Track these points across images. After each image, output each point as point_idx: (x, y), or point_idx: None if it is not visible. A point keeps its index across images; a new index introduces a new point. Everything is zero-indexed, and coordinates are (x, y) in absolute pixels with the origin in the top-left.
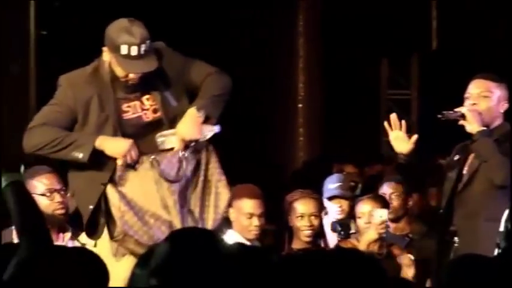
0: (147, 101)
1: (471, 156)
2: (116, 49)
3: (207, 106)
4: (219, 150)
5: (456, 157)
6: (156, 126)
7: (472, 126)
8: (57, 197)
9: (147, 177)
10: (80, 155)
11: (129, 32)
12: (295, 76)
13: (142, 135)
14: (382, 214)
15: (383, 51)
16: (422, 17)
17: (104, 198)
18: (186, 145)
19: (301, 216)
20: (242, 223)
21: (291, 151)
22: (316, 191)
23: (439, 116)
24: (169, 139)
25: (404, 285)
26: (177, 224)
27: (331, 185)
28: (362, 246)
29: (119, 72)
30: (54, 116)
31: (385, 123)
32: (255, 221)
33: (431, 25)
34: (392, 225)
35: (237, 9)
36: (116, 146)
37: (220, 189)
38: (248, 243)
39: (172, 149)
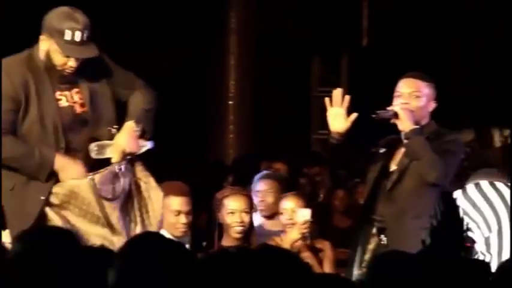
0: (76, 94)
1: (399, 153)
2: (59, 34)
3: (142, 121)
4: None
5: (381, 150)
6: (83, 122)
7: (404, 124)
8: None
9: (87, 199)
10: (40, 176)
11: (73, 18)
12: (227, 73)
13: (75, 129)
14: (305, 214)
15: (314, 48)
16: (352, 15)
17: (44, 217)
18: (122, 158)
19: (232, 213)
20: (169, 220)
21: (221, 148)
22: (245, 188)
23: (373, 115)
24: (106, 150)
25: (330, 279)
26: (123, 239)
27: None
28: (286, 245)
29: (58, 59)
30: (8, 118)
31: (326, 99)
32: (182, 219)
33: (362, 23)
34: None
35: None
36: (71, 174)
37: (151, 191)
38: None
39: (107, 160)
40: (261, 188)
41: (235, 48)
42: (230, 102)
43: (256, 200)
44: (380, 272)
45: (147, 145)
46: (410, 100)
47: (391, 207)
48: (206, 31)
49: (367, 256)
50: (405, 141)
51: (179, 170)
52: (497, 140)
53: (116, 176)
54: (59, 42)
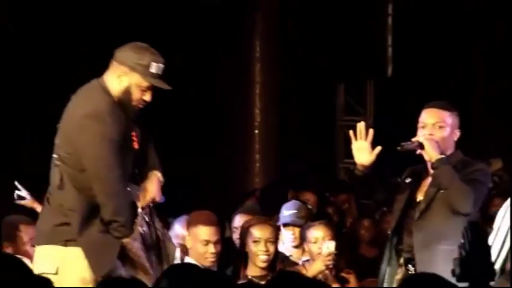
0: (134, 132)
1: (425, 183)
2: (143, 68)
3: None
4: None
5: (407, 180)
6: (134, 158)
7: (430, 154)
8: None
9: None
10: None
11: (152, 51)
12: (252, 102)
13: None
14: (330, 246)
15: (339, 77)
16: (378, 44)
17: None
18: (147, 204)
19: (258, 241)
20: (198, 250)
21: (248, 177)
22: (271, 218)
23: (398, 148)
24: (136, 193)
25: None
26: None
27: (286, 211)
28: (309, 275)
29: (137, 94)
30: (122, 162)
31: (350, 132)
32: (211, 248)
33: (387, 52)
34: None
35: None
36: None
37: (167, 243)
38: None
39: None
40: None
41: (261, 78)
42: (256, 131)
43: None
44: None
45: (162, 198)
46: (435, 131)
47: (418, 237)
48: (232, 60)
49: (394, 286)
50: (432, 171)
51: (207, 200)
52: None
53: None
54: (145, 75)
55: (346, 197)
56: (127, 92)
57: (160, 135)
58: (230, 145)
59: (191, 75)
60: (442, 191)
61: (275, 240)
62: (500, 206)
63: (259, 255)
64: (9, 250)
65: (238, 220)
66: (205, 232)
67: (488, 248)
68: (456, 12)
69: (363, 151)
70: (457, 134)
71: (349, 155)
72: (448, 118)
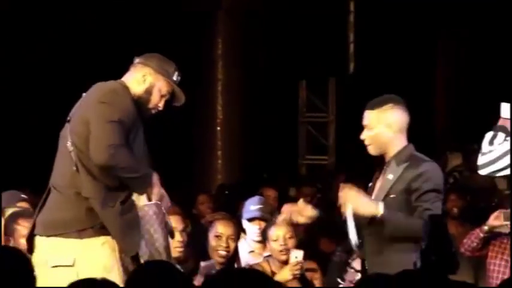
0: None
1: (377, 186)
2: (168, 74)
3: None
4: None
5: (370, 184)
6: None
7: (368, 213)
8: None
9: (138, 221)
10: (139, 190)
11: (171, 62)
12: (214, 99)
13: None
14: (298, 255)
15: (301, 74)
16: (339, 41)
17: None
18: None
19: (219, 237)
20: None
21: (210, 174)
22: (233, 214)
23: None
24: (141, 198)
25: None
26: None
27: (252, 206)
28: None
29: (156, 97)
30: (125, 134)
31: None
32: (178, 236)
33: (349, 49)
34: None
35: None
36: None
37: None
38: None
39: None
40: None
41: (223, 75)
42: (218, 128)
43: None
44: None
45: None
46: (365, 134)
47: (369, 241)
48: (194, 58)
49: None
50: (384, 180)
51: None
52: None
53: None
54: (169, 80)
55: (309, 190)
56: (148, 93)
57: None
58: (193, 142)
59: None
60: (391, 196)
61: (236, 238)
62: (455, 201)
63: (218, 250)
64: (9, 244)
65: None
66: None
67: (450, 241)
68: (418, 9)
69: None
70: (391, 129)
71: (311, 151)
72: (373, 117)
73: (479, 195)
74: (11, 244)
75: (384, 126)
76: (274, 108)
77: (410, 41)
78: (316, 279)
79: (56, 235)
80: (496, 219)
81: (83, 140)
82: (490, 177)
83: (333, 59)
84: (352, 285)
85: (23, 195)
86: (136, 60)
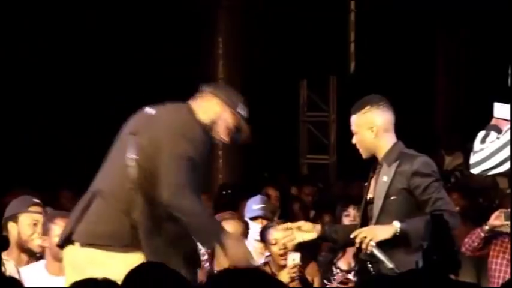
0: None
1: (373, 182)
2: (235, 106)
3: None
4: None
5: (366, 184)
6: None
7: (386, 237)
8: None
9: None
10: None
11: (239, 95)
12: None
13: None
14: (295, 257)
15: (301, 73)
16: (340, 40)
17: None
18: None
19: None
20: None
21: (211, 174)
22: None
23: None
24: None
25: None
26: None
27: (255, 205)
28: None
29: (222, 129)
30: (192, 176)
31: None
32: None
33: (349, 48)
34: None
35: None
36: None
37: None
38: None
39: None
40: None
41: (224, 74)
42: None
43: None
44: None
45: None
46: (354, 139)
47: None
48: (195, 56)
49: None
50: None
51: None
52: None
53: None
54: (236, 112)
55: (310, 190)
56: (214, 123)
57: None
58: None
59: (156, 71)
60: (391, 198)
61: (245, 237)
62: (457, 200)
63: None
64: (45, 243)
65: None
66: None
67: (452, 240)
68: (418, 8)
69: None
70: (373, 130)
71: (312, 150)
72: (355, 121)
73: (481, 194)
74: (47, 244)
75: (366, 129)
76: (275, 108)
77: (411, 40)
78: (317, 282)
79: (97, 246)
80: (496, 219)
81: (150, 162)
82: (491, 176)
83: (334, 58)
84: (342, 285)
85: (35, 200)
86: (205, 88)
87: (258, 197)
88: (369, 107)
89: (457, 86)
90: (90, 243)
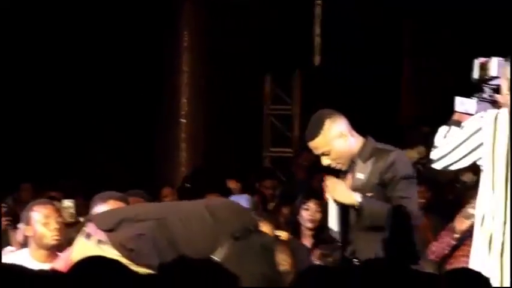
0: None
1: (349, 176)
2: None
3: None
4: (100, 164)
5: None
6: None
7: (347, 202)
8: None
9: None
10: None
11: None
12: (179, 92)
13: None
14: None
15: (266, 67)
16: (305, 34)
17: None
18: None
19: None
20: None
21: (174, 167)
22: None
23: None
24: None
25: None
26: None
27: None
28: None
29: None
30: None
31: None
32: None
33: (314, 41)
34: None
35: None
36: None
37: None
38: None
39: None
40: None
41: (188, 67)
42: (182, 121)
43: None
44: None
45: None
46: (327, 160)
47: (359, 231)
48: (158, 50)
49: None
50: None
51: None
52: None
53: None
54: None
55: (270, 183)
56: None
57: (89, 123)
58: (156, 134)
59: (120, 65)
60: (369, 195)
61: None
62: (423, 193)
63: None
64: (29, 232)
65: None
66: None
67: (412, 232)
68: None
69: None
70: (344, 137)
71: (275, 143)
72: (321, 142)
73: (446, 187)
74: (30, 233)
75: (337, 139)
76: (239, 101)
77: (377, 34)
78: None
79: None
80: (461, 224)
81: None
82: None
83: (299, 52)
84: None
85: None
86: None
87: (243, 197)
88: (327, 120)
89: (423, 79)
90: None
